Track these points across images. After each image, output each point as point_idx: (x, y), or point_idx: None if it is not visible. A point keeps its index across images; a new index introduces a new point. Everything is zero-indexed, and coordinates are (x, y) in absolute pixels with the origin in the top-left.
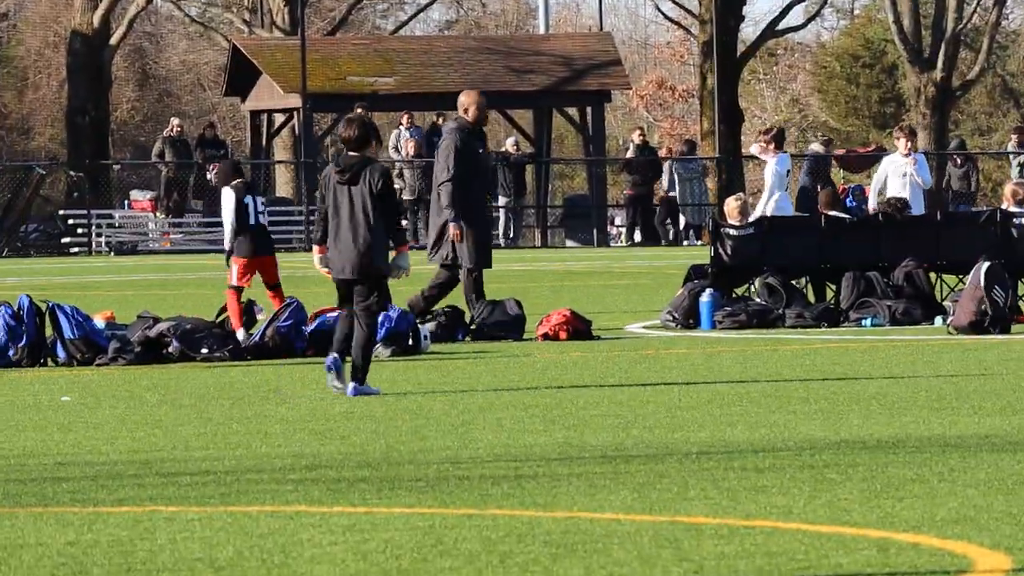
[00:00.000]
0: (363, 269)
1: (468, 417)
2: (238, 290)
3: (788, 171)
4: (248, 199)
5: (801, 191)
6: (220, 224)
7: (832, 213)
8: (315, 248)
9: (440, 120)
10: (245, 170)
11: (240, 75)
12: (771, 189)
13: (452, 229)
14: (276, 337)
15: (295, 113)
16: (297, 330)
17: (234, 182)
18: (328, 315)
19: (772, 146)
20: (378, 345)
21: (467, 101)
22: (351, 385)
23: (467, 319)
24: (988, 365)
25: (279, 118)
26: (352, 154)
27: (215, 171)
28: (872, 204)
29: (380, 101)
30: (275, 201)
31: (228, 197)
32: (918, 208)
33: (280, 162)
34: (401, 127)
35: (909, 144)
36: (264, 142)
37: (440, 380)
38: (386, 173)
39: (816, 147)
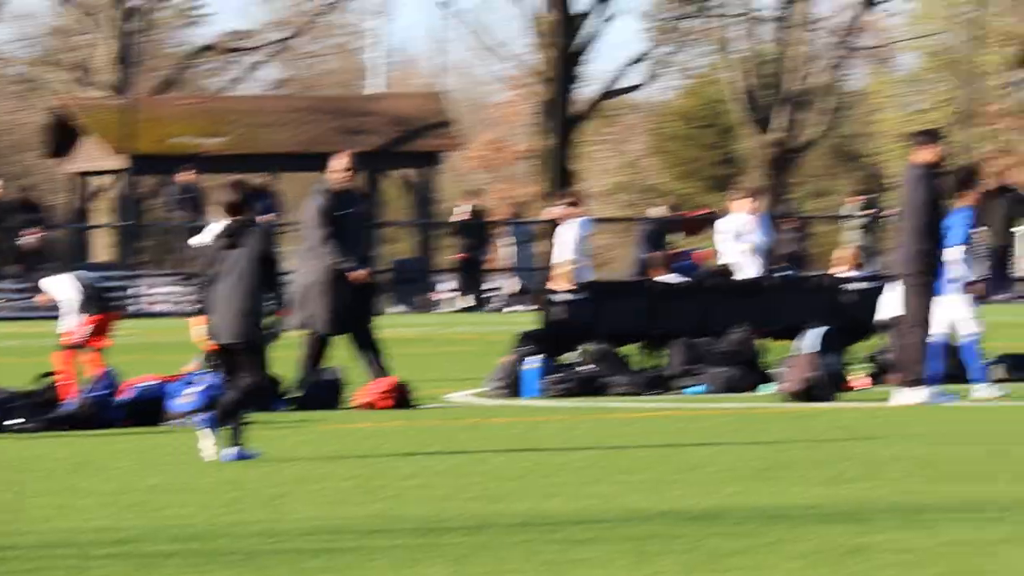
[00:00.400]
0: (242, 334)
1: (285, 488)
2: (80, 349)
3: (588, 235)
4: None
5: (640, 255)
6: (37, 290)
7: (662, 278)
8: (198, 319)
9: (269, 182)
10: (64, 234)
11: (63, 136)
12: (573, 254)
13: (358, 275)
14: (90, 406)
15: (119, 175)
16: (110, 400)
17: None
18: (147, 384)
19: (574, 209)
20: (196, 415)
21: (335, 163)
22: (231, 450)
23: (287, 384)
24: (816, 433)
25: (102, 180)
26: (234, 218)
27: (27, 237)
28: (726, 260)
29: (208, 162)
30: (96, 266)
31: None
32: (755, 271)
33: (102, 226)
34: None
35: (751, 205)
36: (86, 205)
37: (257, 450)
38: (268, 235)
39: (656, 210)
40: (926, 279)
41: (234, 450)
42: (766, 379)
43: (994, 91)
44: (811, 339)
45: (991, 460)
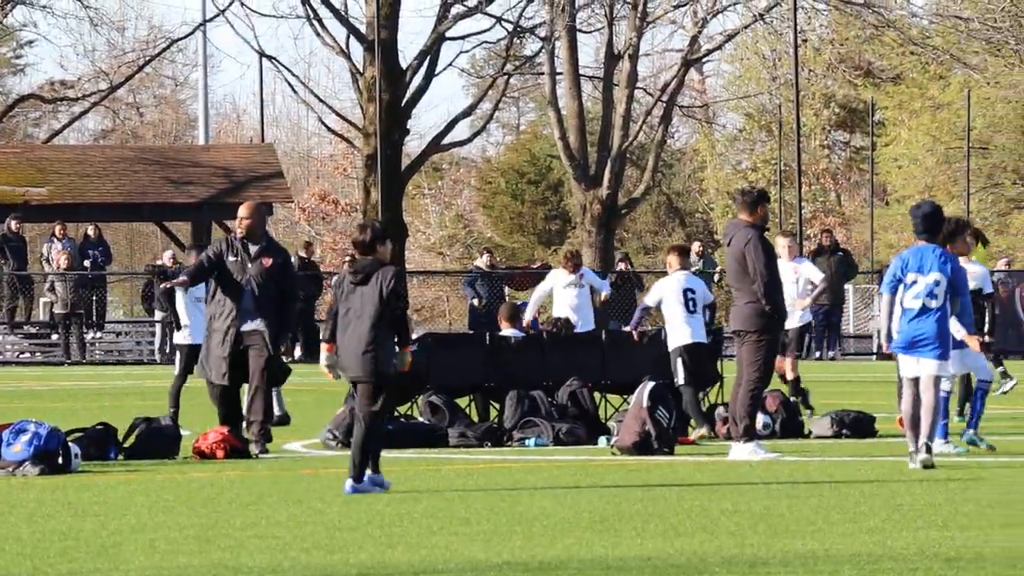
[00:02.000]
0: (367, 370)
1: (120, 538)
2: None
3: None
4: None
5: (471, 307)
6: None
7: (506, 331)
8: (323, 346)
9: (93, 231)
10: None
11: None
12: None
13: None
14: None
15: None
16: None
17: None
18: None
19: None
20: (26, 463)
21: (239, 213)
22: (348, 482)
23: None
24: (651, 486)
25: None
26: (366, 257)
27: None
28: (528, 316)
29: (32, 212)
30: None
31: None
32: (588, 324)
33: None
34: (53, 239)
35: (566, 262)
36: None
37: (91, 500)
38: (397, 276)
39: (481, 262)
40: (767, 336)
41: (356, 484)
42: (603, 432)
43: (816, 151)
44: (645, 393)
45: (825, 513)
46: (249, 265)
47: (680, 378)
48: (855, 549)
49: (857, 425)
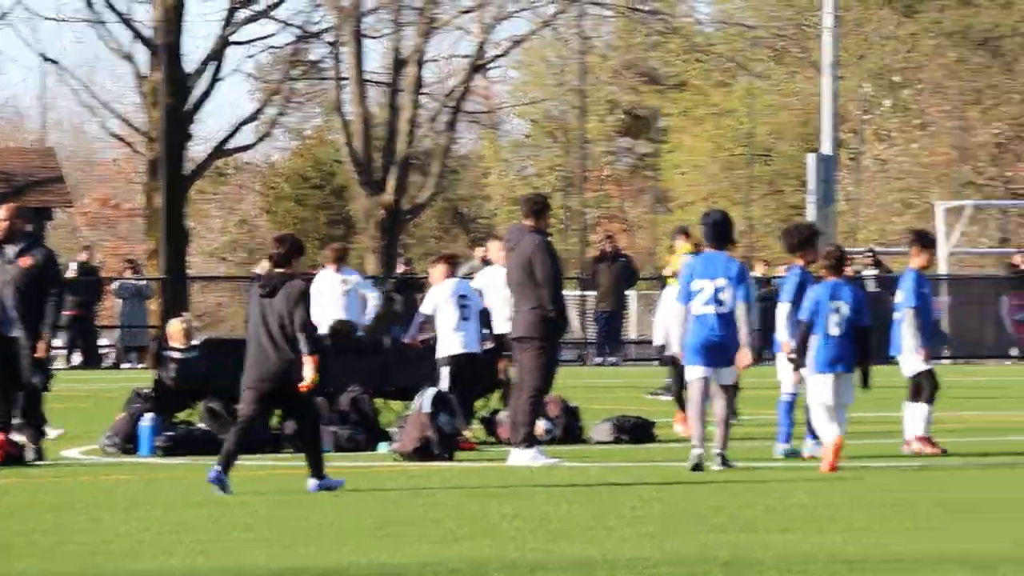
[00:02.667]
0: (282, 381)
1: None
2: None
3: None
4: None
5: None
6: None
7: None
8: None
9: None
10: None
11: None
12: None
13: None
14: None
15: None
16: None
17: None
18: None
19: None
20: None
21: None
22: (312, 481)
23: None
24: (432, 491)
25: None
26: (277, 269)
27: None
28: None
29: None
30: None
31: None
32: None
33: None
34: None
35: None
36: None
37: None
38: (303, 291)
39: (262, 267)
40: (549, 343)
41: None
42: (384, 438)
43: (601, 157)
44: (426, 399)
45: (603, 518)
46: (8, 267)
47: (444, 387)
48: (633, 553)
49: (637, 430)
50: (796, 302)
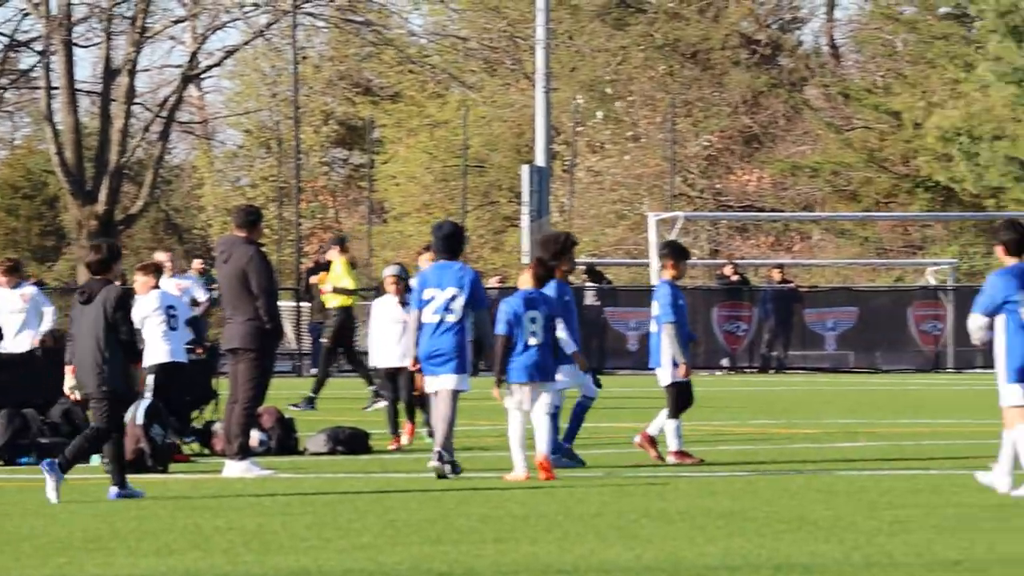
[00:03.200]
0: (95, 385)
1: None
2: None
3: None
4: None
5: None
6: None
7: None
8: (68, 370)
9: None
10: None
11: None
12: None
13: None
14: None
15: None
16: None
17: None
18: None
19: None
20: None
21: None
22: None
23: None
24: (144, 503)
25: None
26: (95, 277)
27: None
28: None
29: None
30: None
31: None
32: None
33: None
34: None
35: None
36: None
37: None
38: (122, 295)
39: None
40: (264, 355)
41: (114, 489)
42: (95, 450)
43: (315, 168)
44: (139, 410)
45: (319, 529)
46: None
47: (148, 395)
48: (348, 565)
49: (352, 441)
50: (560, 312)
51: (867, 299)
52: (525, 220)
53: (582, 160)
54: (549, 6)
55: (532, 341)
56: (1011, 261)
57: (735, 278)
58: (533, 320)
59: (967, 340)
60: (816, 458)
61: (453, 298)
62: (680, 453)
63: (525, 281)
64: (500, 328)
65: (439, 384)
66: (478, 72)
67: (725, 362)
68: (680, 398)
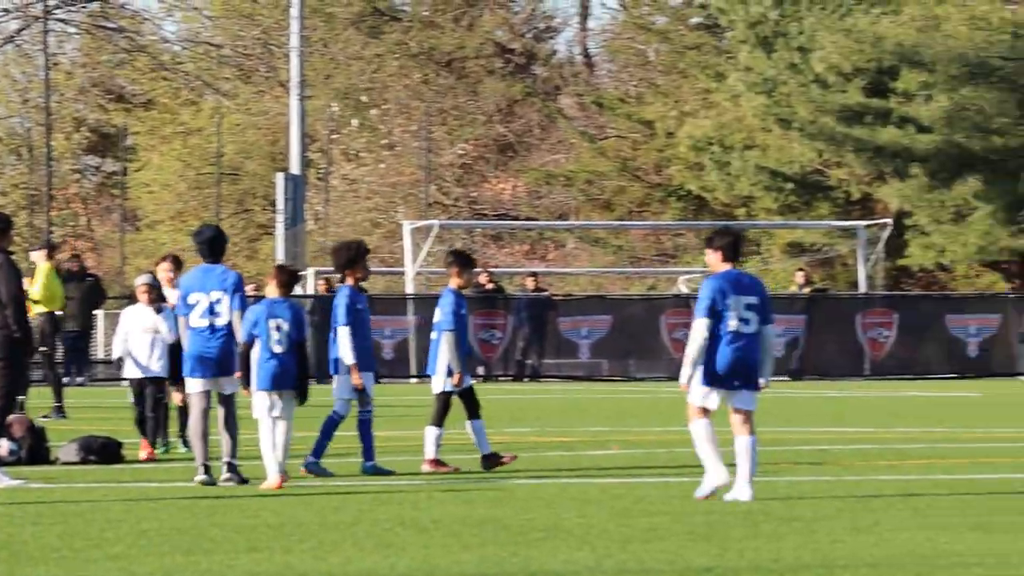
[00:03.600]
0: None
1: None
2: None
3: None
4: None
5: None
6: None
7: None
8: None
9: None
10: None
11: None
12: None
13: None
14: None
15: None
16: None
17: None
18: None
19: None
20: None
21: None
22: None
23: None
24: None
25: None
26: None
27: None
28: None
29: None
30: None
31: None
32: None
33: None
34: None
35: None
36: None
37: None
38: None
39: None
40: (12, 364)
41: None
42: None
43: (67, 176)
44: None
45: (70, 540)
46: None
47: None
48: None
49: (105, 451)
50: (351, 321)
51: (621, 307)
52: (280, 228)
53: (337, 168)
54: (303, 14)
55: (276, 349)
56: (725, 266)
57: (490, 286)
58: (278, 328)
59: None
60: (570, 466)
61: (218, 301)
62: (435, 461)
63: (272, 290)
64: (243, 336)
65: (213, 385)
66: (232, 79)
67: (480, 370)
68: (445, 408)
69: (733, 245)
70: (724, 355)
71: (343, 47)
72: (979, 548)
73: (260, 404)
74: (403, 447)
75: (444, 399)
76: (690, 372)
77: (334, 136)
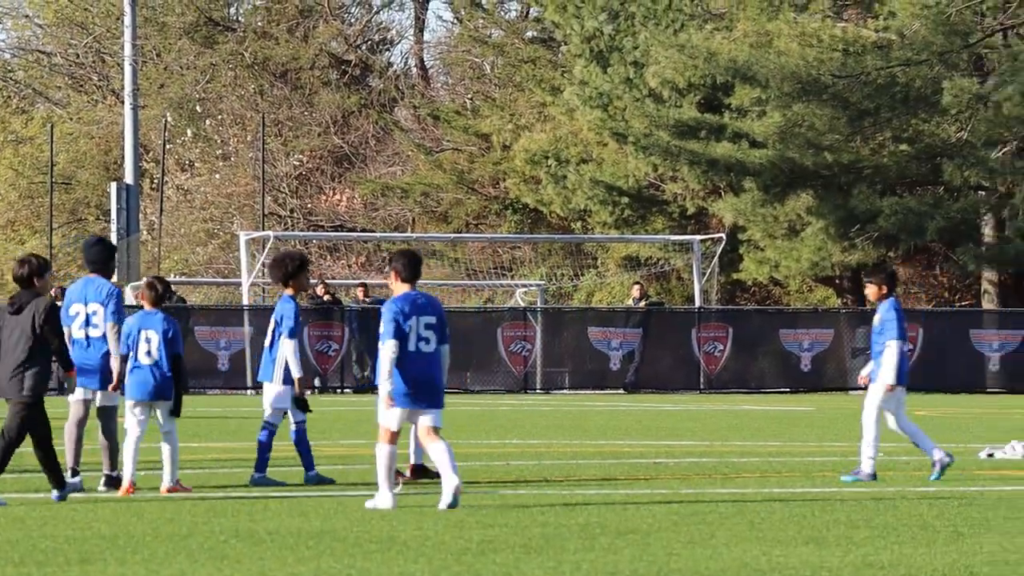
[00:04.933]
0: (15, 391)
1: None
2: None
3: None
4: None
5: None
6: None
7: None
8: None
9: None
10: None
11: None
12: None
13: None
14: None
15: None
16: None
17: None
18: None
19: None
20: None
21: None
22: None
23: None
24: None
25: None
26: (22, 290)
27: None
28: None
29: None
30: None
31: None
32: None
33: None
34: None
35: None
36: None
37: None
38: (49, 307)
39: None
40: None
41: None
42: None
43: None
44: None
45: None
46: None
47: None
48: None
49: None
50: (299, 332)
51: (457, 320)
52: (114, 238)
53: (171, 178)
54: (136, 23)
55: (145, 360)
56: (404, 288)
57: (326, 297)
58: (148, 340)
59: (556, 362)
60: (405, 478)
61: (95, 313)
62: (413, 468)
63: (146, 302)
64: (122, 348)
65: (87, 396)
66: (64, 88)
67: (316, 382)
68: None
69: (409, 266)
70: (408, 374)
71: (177, 57)
72: (813, 561)
73: (129, 414)
74: (239, 459)
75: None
76: (388, 389)
77: (168, 146)
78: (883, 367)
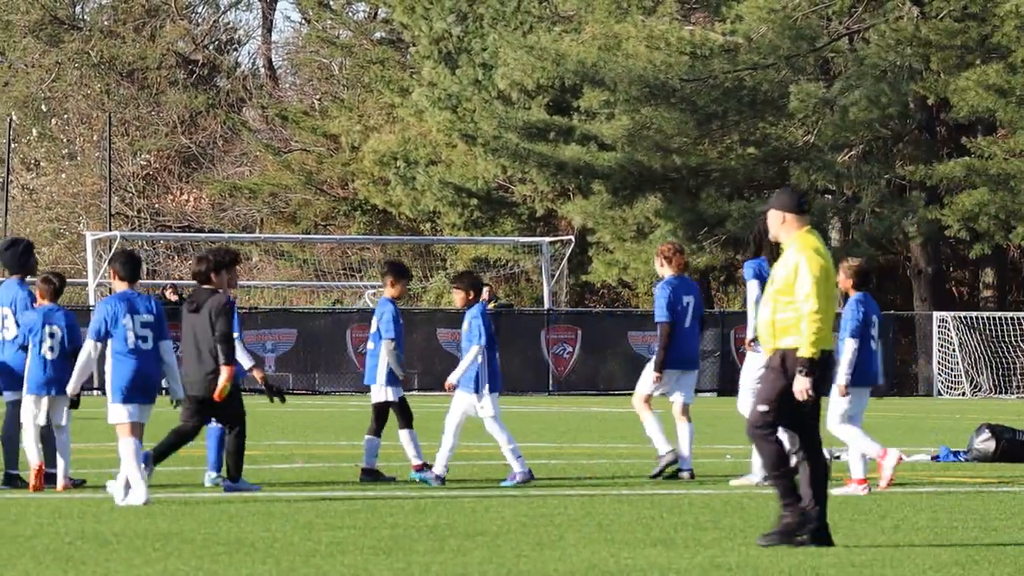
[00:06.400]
0: (207, 389)
1: None
2: None
3: None
4: None
5: None
6: None
7: None
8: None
9: None
10: None
11: None
12: None
13: None
14: None
15: None
16: None
17: None
18: None
19: None
20: None
21: None
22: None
23: None
24: None
25: None
26: (202, 286)
27: None
28: None
29: None
30: None
31: None
32: None
33: None
34: None
35: None
36: None
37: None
38: (225, 304)
39: None
40: None
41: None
42: None
43: None
44: None
45: None
46: None
47: None
48: None
49: None
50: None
51: (306, 321)
52: None
53: (16, 178)
54: None
55: (49, 355)
56: (122, 287)
57: (175, 299)
58: (52, 335)
59: (406, 363)
60: (254, 480)
61: (6, 316)
62: (421, 466)
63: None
64: (23, 341)
65: (12, 397)
66: None
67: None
68: (383, 418)
69: (130, 266)
70: (127, 370)
71: (22, 55)
72: (661, 563)
73: (28, 408)
74: (94, 460)
75: (382, 408)
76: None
77: (13, 145)
78: (840, 366)
